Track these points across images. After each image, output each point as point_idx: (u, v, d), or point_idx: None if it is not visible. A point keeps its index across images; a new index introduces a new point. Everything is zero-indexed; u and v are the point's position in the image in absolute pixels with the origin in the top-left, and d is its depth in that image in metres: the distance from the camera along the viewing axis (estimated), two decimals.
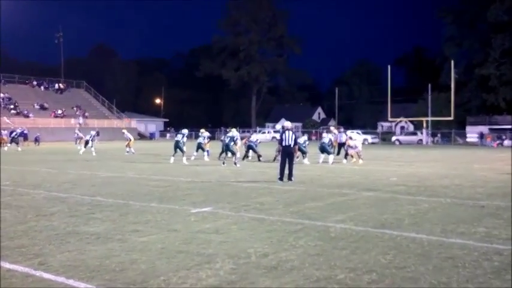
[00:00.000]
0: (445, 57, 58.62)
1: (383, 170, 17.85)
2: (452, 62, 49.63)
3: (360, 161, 20.51)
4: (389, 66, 51.42)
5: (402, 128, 67.78)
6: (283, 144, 13.14)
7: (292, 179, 13.15)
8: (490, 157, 26.74)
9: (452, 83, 48.62)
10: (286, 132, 13.23)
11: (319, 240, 6.29)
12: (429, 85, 55.68)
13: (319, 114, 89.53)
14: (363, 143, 50.13)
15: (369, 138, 53.65)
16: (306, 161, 20.51)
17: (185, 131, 21.62)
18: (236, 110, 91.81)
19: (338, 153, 23.99)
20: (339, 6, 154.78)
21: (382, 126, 70.77)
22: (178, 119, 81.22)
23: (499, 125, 54.63)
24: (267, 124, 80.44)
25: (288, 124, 14.07)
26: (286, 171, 13.25)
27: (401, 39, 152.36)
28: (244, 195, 10.55)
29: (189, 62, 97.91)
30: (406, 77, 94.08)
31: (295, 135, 13.46)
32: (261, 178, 14.30)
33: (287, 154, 13.18)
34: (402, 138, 55.18)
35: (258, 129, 69.17)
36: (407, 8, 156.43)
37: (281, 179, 13.10)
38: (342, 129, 25.98)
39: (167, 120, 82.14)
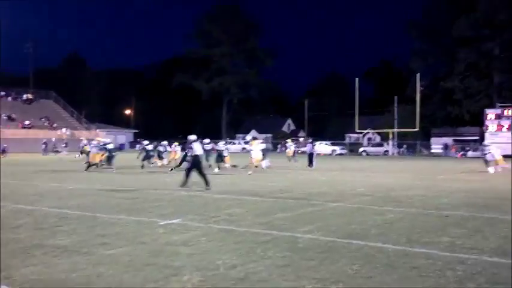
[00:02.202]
0: (412, 70, 59.99)
1: (350, 180, 18.10)
2: (418, 75, 50.78)
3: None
4: (357, 79, 52.37)
5: (369, 139, 68.82)
6: (192, 154, 14.05)
7: (209, 186, 13.75)
8: (454, 168, 27.37)
9: (417, 95, 49.73)
10: (194, 143, 14.18)
11: (288, 251, 6.34)
12: (395, 97, 56.81)
13: (289, 125, 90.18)
14: (330, 154, 51.04)
15: (337, 149, 54.47)
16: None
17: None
18: (207, 121, 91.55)
19: (310, 164, 24.55)
20: (309, 19, 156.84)
21: (350, 137, 71.68)
22: (148, 130, 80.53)
23: (463, 136, 56.02)
24: (237, 135, 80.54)
25: (193, 137, 14.77)
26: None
27: (370, 52, 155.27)
28: (213, 207, 10.54)
29: (160, 73, 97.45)
30: (374, 90, 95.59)
31: (203, 147, 15.30)
32: (232, 189, 14.31)
33: (195, 163, 14.04)
34: (369, 149, 56.10)
35: (227, 140, 69.10)
36: (378, 21, 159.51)
37: (185, 184, 13.90)
38: (310, 140, 26.68)
39: (137, 131, 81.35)
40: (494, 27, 54.72)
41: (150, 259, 5.91)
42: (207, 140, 24.37)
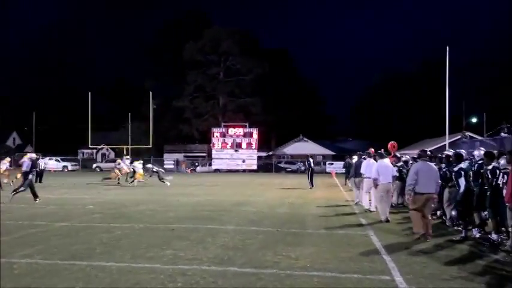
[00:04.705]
0: (146, 89, 61.51)
1: (81, 198, 17.42)
2: (150, 93, 52.26)
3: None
4: (90, 94, 50.90)
5: (104, 155, 67.75)
6: None
7: None
8: (183, 182, 28.88)
9: (150, 113, 51.12)
10: None
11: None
12: (129, 114, 57.33)
13: (14, 139, 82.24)
14: (62, 170, 48.48)
15: (69, 165, 52.34)
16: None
17: None
18: None
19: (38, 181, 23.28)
20: (48, 33, 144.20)
21: (83, 153, 69.27)
22: None
23: (193, 152, 59.92)
24: None
25: None
26: None
27: (106, 68, 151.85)
28: None
29: None
30: (109, 105, 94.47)
31: None
32: None
33: None
34: (103, 165, 55.26)
35: None
36: (116, 37, 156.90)
37: None
38: (40, 156, 25.17)
39: None
40: (219, 55, 60.32)
41: None
42: None
